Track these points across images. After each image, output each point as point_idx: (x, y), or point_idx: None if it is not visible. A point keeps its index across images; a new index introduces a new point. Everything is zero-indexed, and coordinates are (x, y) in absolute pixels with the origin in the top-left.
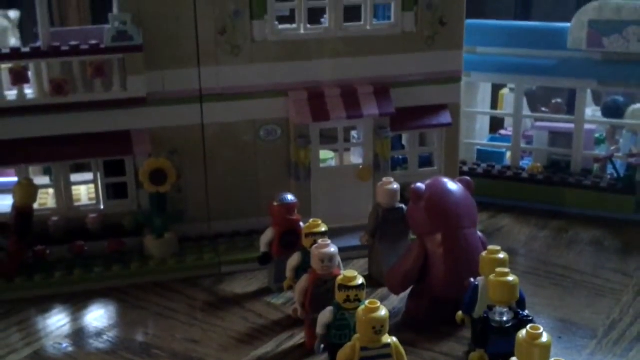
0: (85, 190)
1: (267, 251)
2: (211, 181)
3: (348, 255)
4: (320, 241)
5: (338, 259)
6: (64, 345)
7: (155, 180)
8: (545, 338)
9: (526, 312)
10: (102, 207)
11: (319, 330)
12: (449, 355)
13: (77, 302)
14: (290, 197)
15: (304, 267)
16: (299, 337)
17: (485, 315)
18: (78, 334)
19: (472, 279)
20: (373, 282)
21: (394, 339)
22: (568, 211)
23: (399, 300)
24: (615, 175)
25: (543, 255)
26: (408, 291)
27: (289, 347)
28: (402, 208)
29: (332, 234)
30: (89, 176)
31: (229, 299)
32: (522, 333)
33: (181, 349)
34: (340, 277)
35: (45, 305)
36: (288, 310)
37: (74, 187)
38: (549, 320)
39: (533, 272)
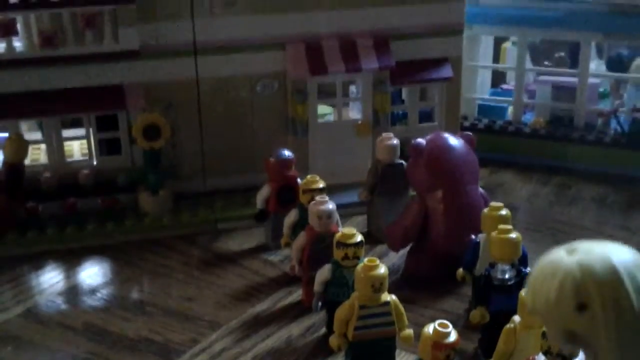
0: (78, 146)
1: (264, 208)
2: (206, 137)
3: (346, 212)
4: (317, 198)
5: (336, 215)
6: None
7: (149, 135)
8: None
9: (529, 270)
10: (94, 163)
11: (317, 288)
12: (450, 312)
13: (70, 259)
14: (287, 152)
15: (301, 224)
16: (297, 294)
17: (487, 273)
18: (71, 291)
19: (473, 236)
20: (372, 239)
21: (393, 296)
22: (571, 167)
23: (398, 257)
24: (620, 130)
25: (545, 212)
26: (407, 248)
27: (286, 304)
28: (401, 164)
29: (330, 190)
30: (81, 132)
31: (225, 256)
32: (525, 291)
33: (176, 307)
34: (338, 234)
35: (37, 262)
36: (285, 267)
37: (66, 143)
38: None
39: (535, 228)
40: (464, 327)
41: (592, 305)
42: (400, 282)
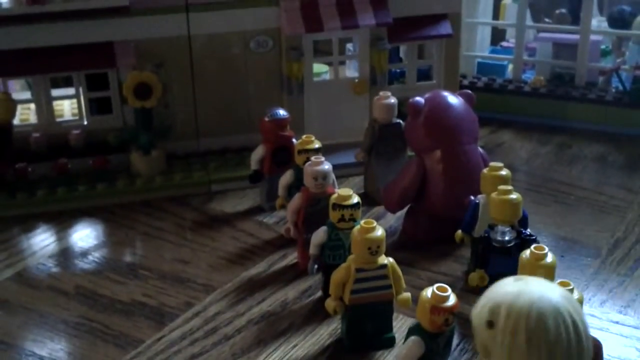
0: (68, 106)
1: (258, 169)
2: (199, 96)
3: (343, 172)
4: (313, 158)
5: (332, 176)
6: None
7: (140, 94)
8: (550, 258)
9: (529, 231)
10: (85, 122)
11: (312, 250)
12: (448, 275)
13: (61, 222)
14: (282, 112)
15: (296, 185)
16: (292, 257)
17: (487, 235)
18: (62, 254)
19: (472, 197)
20: (369, 200)
21: (391, 259)
22: (571, 126)
23: (395, 219)
24: (621, 88)
25: (545, 172)
26: (405, 210)
27: (281, 267)
28: (399, 123)
29: (326, 150)
30: (71, 91)
31: (219, 218)
32: (526, 253)
33: (170, 270)
34: (334, 196)
35: (27, 224)
36: (280, 229)
37: (56, 103)
38: (551, 238)
39: (535, 189)
40: (462, 290)
41: (497, 325)
42: (398, 245)
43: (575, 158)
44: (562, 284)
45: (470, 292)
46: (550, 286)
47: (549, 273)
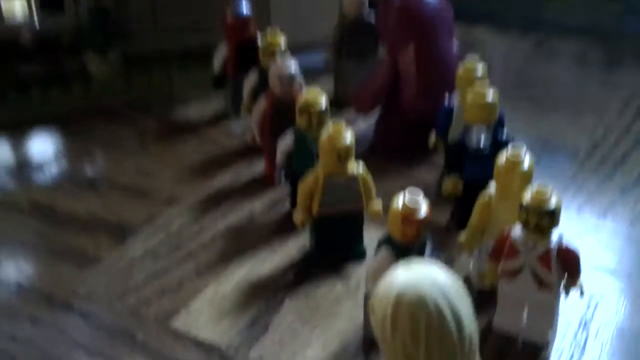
0: (19, 6)
1: (222, 71)
2: None
3: (311, 74)
4: (279, 58)
5: (299, 78)
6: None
7: None
8: (527, 163)
9: (505, 134)
10: (36, 22)
11: (279, 159)
12: (421, 182)
13: (13, 132)
14: (245, 7)
15: (262, 88)
16: (259, 166)
17: (461, 138)
18: (15, 167)
19: (447, 97)
20: (338, 103)
21: (361, 168)
22: (549, 20)
23: (366, 124)
24: None
25: (522, 69)
26: (376, 115)
27: (247, 178)
28: (370, 20)
29: (293, 49)
30: None
31: (182, 126)
32: (502, 159)
33: (131, 181)
34: (301, 99)
35: None
36: (247, 137)
37: (5, 2)
38: (527, 140)
39: (511, 88)
40: (436, 197)
41: (374, 314)
42: (369, 151)
43: (553, 55)
44: (540, 189)
45: (444, 200)
46: (427, 273)
47: (526, 178)
